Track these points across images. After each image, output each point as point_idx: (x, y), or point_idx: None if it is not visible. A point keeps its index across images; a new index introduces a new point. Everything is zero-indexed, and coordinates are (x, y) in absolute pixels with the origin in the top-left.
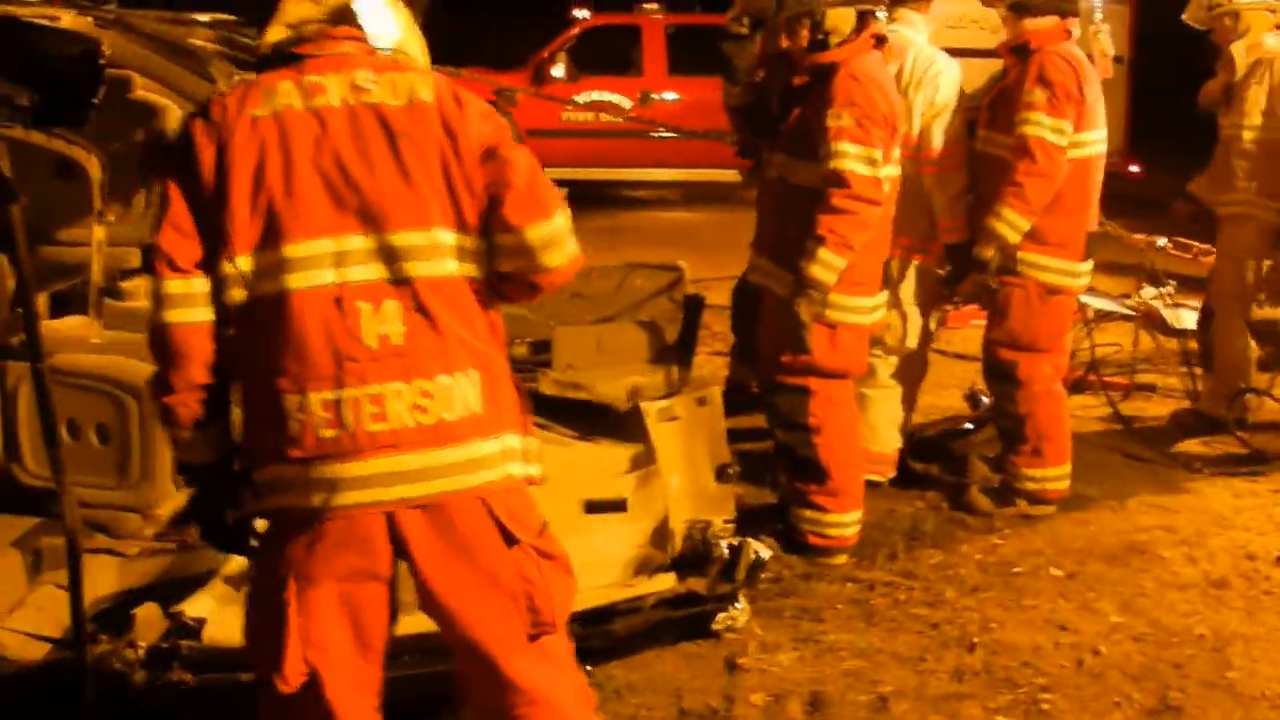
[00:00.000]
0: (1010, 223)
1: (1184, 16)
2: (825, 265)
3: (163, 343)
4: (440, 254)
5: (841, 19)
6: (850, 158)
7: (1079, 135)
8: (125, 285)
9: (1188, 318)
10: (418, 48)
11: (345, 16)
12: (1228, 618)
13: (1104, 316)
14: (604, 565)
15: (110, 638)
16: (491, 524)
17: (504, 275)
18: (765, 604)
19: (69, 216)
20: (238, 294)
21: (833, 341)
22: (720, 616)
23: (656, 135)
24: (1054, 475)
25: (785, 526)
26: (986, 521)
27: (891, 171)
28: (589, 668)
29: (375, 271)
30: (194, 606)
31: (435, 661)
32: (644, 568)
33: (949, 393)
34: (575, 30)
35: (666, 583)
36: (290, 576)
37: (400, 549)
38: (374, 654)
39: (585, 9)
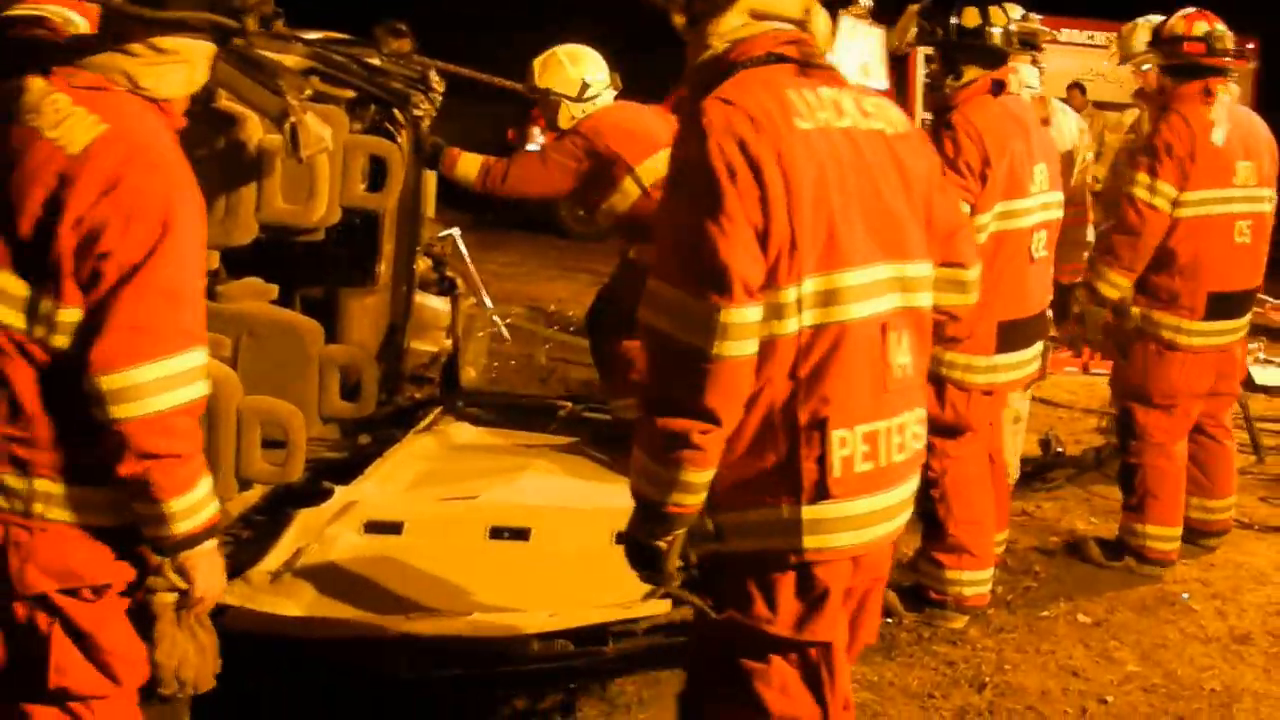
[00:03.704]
0: (1107, 279)
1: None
2: None
3: (717, 377)
4: (929, 286)
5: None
6: None
7: (1193, 194)
8: (221, 289)
9: (1274, 375)
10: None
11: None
12: (1243, 673)
13: None
14: (611, 588)
15: None
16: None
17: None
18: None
19: None
20: (787, 324)
21: (939, 397)
22: None
23: None
24: (1155, 534)
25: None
26: (1025, 563)
27: (984, 221)
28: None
29: (897, 300)
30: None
31: None
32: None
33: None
34: None
35: (661, 608)
36: (822, 631)
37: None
38: None
39: None
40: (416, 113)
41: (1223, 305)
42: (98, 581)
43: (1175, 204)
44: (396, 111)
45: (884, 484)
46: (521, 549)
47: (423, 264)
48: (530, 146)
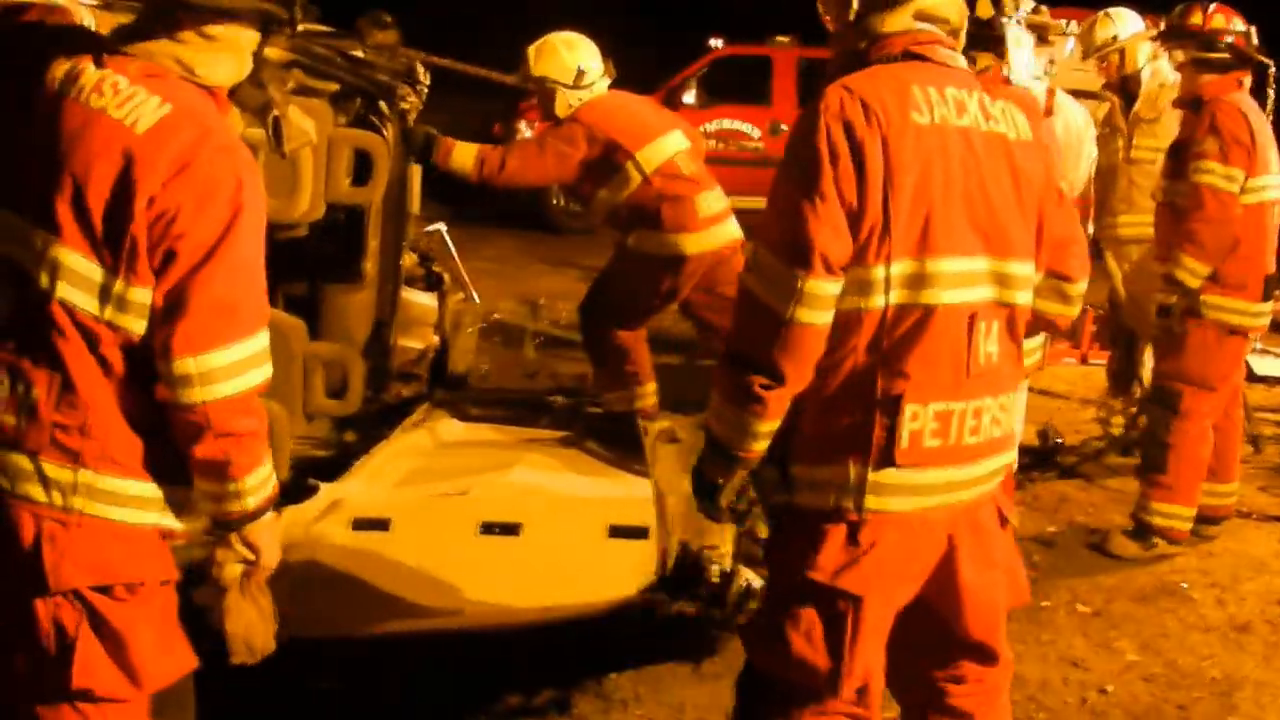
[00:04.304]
0: (1189, 269)
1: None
2: None
3: (787, 339)
4: (1028, 285)
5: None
6: None
7: (1253, 181)
8: None
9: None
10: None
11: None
12: (1243, 662)
13: None
14: (608, 581)
15: None
16: (996, 511)
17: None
18: None
19: None
20: (873, 300)
21: None
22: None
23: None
24: (1184, 514)
25: None
26: (1024, 553)
27: None
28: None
29: (991, 294)
30: (201, 595)
31: None
32: (641, 587)
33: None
34: (708, 59)
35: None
36: (854, 583)
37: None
38: None
39: (719, 39)
40: (403, 106)
41: (1269, 287)
42: (134, 579)
43: (1242, 190)
44: (382, 105)
45: (951, 460)
46: (513, 544)
47: (409, 259)
48: None
